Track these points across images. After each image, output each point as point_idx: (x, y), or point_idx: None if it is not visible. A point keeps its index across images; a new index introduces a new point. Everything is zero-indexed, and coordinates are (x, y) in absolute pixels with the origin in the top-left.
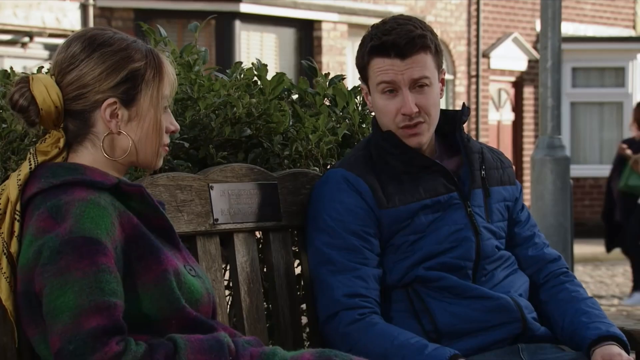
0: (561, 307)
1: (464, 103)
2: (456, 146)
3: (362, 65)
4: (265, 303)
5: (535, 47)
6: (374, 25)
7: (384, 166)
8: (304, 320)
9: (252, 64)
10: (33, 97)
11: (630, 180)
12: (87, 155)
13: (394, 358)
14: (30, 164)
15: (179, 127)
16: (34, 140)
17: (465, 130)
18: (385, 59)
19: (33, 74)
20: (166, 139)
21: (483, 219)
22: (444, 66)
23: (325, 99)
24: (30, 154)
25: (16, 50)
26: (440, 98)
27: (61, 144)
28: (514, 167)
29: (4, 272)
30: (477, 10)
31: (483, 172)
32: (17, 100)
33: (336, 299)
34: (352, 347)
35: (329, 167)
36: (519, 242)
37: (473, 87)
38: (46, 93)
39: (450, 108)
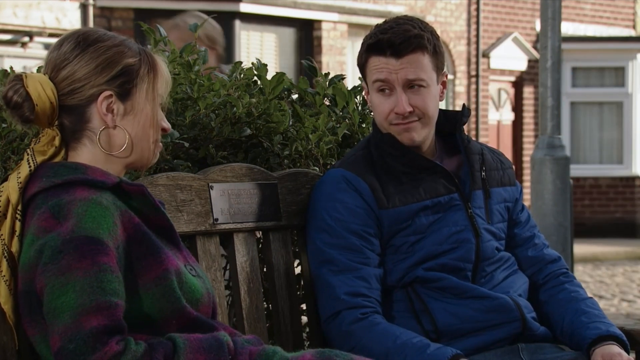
0: (561, 307)
1: (464, 104)
2: (456, 147)
3: (361, 63)
4: (265, 303)
5: (535, 47)
6: (376, 24)
7: (384, 166)
8: (304, 320)
9: (252, 63)
10: (27, 93)
11: None
12: (86, 153)
13: (396, 357)
14: (30, 165)
15: (170, 126)
16: (34, 140)
17: (465, 130)
18: (380, 57)
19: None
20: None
21: (483, 220)
22: (445, 69)
23: (325, 98)
24: (27, 154)
25: (16, 50)
26: (441, 100)
27: (57, 142)
28: (514, 168)
29: (4, 275)
30: (477, 10)
31: (483, 173)
32: (11, 97)
33: (338, 298)
34: (354, 346)
35: (329, 167)
36: (519, 243)
37: (473, 87)
38: (41, 89)
39: (450, 108)
